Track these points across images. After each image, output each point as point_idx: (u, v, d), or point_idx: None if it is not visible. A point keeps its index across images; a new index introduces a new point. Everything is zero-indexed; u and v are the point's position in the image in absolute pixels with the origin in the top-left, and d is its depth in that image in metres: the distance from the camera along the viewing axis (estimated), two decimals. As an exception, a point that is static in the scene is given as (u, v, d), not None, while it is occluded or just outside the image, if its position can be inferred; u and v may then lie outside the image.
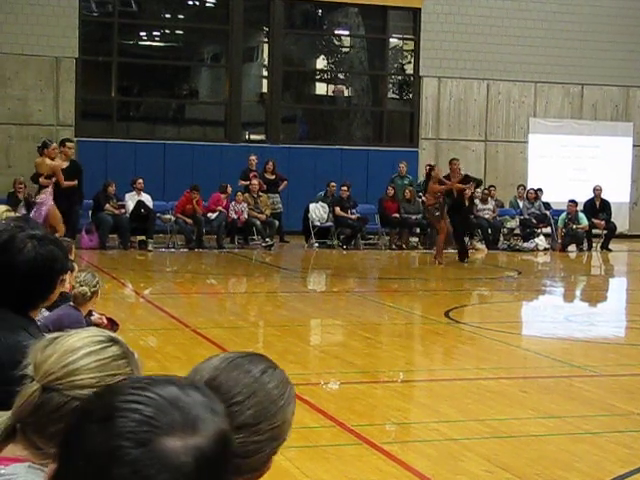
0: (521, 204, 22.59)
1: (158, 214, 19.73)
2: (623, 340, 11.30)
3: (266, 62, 23.70)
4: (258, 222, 20.09)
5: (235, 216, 20.06)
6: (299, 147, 22.99)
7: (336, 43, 25.87)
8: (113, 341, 2.08)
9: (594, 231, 21.87)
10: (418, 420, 6.98)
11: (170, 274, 16.63)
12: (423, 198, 19.76)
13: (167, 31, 25.14)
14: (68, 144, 15.57)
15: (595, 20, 24.46)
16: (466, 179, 18.54)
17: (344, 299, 14.03)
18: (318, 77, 26.36)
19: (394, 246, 20.87)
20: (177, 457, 1.17)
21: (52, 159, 14.98)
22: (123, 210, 19.41)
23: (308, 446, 6.16)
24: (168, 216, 19.94)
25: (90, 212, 19.36)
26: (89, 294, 5.96)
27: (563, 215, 21.64)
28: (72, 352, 2.02)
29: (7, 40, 20.66)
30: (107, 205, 19.32)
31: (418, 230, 21.66)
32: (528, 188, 22.92)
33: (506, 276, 17.60)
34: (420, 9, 23.52)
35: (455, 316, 11.86)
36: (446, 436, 6.37)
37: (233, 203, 20.15)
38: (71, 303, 5.92)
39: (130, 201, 19.59)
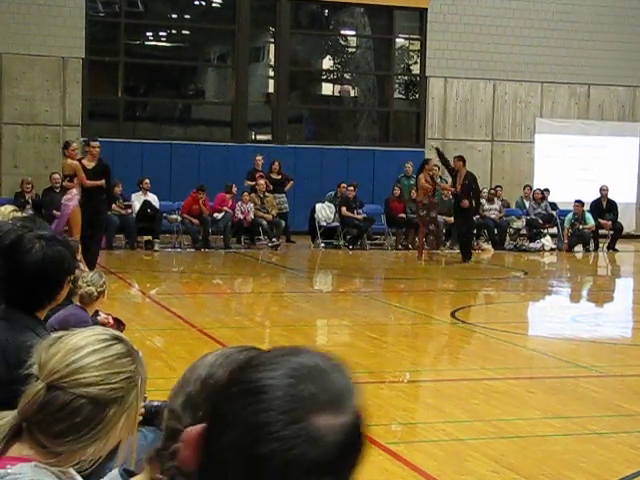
0: (527, 204, 22.57)
1: (164, 214, 19.75)
2: (630, 340, 11.29)
3: (272, 62, 23.70)
4: (264, 222, 20.09)
5: (241, 216, 20.07)
6: (305, 147, 22.99)
7: (342, 43, 25.87)
8: (117, 339, 2.09)
9: (601, 231, 21.83)
10: (424, 420, 6.97)
11: (176, 274, 16.64)
12: (413, 191, 19.79)
13: (173, 31, 25.16)
14: (92, 143, 15.05)
15: (601, 20, 24.43)
16: (469, 187, 18.65)
17: (350, 299, 14.03)
18: (324, 77, 26.37)
19: (400, 246, 20.86)
20: (327, 435, 1.21)
21: (74, 159, 14.69)
22: (129, 210, 19.44)
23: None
24: (174, 216, 19.96)
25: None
26: (95, 294, 5.97)
27: (570, 215, 21.61)
28: (76, 350, 2.03)
29: (14, 40, 20.69)
30: (113, 205, 19.33)
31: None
32: (535, 188, 22.90)
33: (512, 276, 17.58)
34: (426, 9, 23.51)
35: (461, 316, 11.85)
36: (452, 436, 6.37)
37: (239, 203, 20.17)
38: (77, 303, 5.94)
39: (136, 201, 19.62)
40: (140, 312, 12.07)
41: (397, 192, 21.08)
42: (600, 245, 21.77)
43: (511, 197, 23.02)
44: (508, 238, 21.87)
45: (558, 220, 22.18)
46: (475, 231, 21.62)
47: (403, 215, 20.81)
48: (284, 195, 20.95)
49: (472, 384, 8.15)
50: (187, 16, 24.36)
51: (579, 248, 21.64)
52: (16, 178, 20.05)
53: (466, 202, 18.43)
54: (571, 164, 24.41)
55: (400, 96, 25.39)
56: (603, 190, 22.28)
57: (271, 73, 23.97)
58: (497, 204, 21.84)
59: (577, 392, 7.92)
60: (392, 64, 24.34)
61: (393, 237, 21.20)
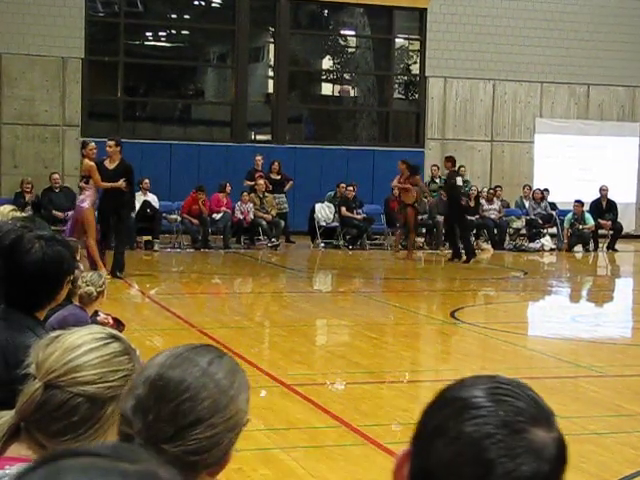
0: (527, 204, 22.57)
1: (164, 214, 19.75)
2: (629, 340, 11.29)
3: (272, 62, 23.70)
4: (264, 222, 20.10)
5: (241, 216, 20.07)
6: (305, 147, 22.99)
7: (342, 43, 25.87)
8: (114, 338, 2.09)
9: (600, 231, 21.83)
10: (424, 420, 6.95)
11: (176, 274, 16.64)
12: (393, 184, 19.81)
13: (173, 31, 25.17)
14: (109, 142, 14.61)
15: (601, 20, 24.43)
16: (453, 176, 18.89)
17: (350, 299, 14.04)
18: (324, 77, 26.37)
19: (400, 246, 20.85)
20: (545, 447, 1.29)
21: (91, 159, 14.38)
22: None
23: (314, 446, 6.17)
24: (174, 216, 19.96)
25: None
26: (95, 294, 5.97)
27: (569, 215, 21.62)
28: (73, 349, 2.03)
29: (13, 40, 20.69)
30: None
31: (424, 230, 21.65)
32: (534, 188, 22.90)
33: (512, 276, 17.59)
34: (426, 9, 23.51)
35: (461, 316, 11.85)
36: (452, 436, 6.36)
37: (239, 203, 20.17)
38: (77, 303, 5.93)
39: (136, 201, 19.60)
40: (140, 312, 12.06)
41: (397, 192, 21.07)
42: (600, 245, 21.77)
43: (511, 197, 23.03)
44: (508, 238, 21.87)
45: (558, 220, 22.18)
46: (475, 231, 21.64)
47: (472, 218, 20.77)
48: (284, 195, 20.95)
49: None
50: (187, 16, 24.36)
51: (579, 248, 21.65)
52: (16, 178, 20.05)
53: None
54: (571, 164, 24.40)
55: (400, 96, 25.39)
56: (603, 190, 22.29)
57: (271, 73, 23.97)
58: (497, 204, 21.83)
59: (577, 392, 7.92)
60: (392, 64, 24.34)
61: (393, 237, 21.19)
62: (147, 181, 19.64)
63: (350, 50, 25.85)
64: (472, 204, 21.27)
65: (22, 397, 2.03)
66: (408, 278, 16.64)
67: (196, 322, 10.81)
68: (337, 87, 26.30)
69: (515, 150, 24.34)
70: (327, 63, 26.10)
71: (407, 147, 23.55)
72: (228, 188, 20.07)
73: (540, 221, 22.05)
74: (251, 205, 20.17)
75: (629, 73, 24.59)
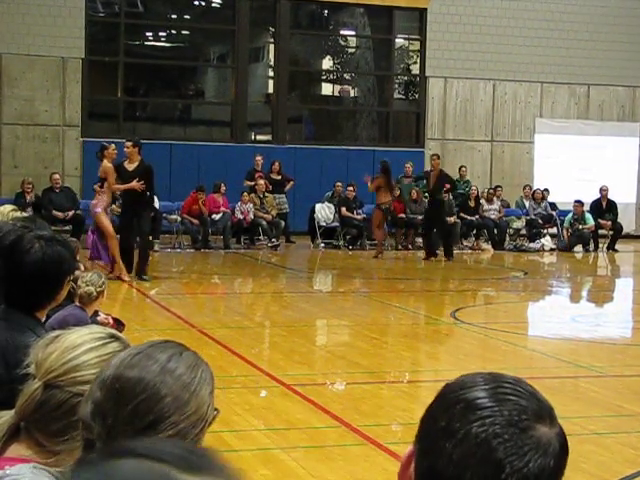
0: (527, 204, 22.57)
1: (164, 214, 19.74)
2: (629, 341, 11.29)
3: (272, 62, 23.70)
4: (264, 222, 20.10)
5: (241, 216, 20.08)
6: (305, 147, 22.99)
7: (342, 43, 25.87)
8: (114, 337, 2.09)
9: (600, 232, 21.83)
10: (424, 420, 6.96)
11: (176, 274, 16.63)
12: (368, 181, 19.84)
13: (173, 31, 25.17)
14: (127, 143, 14.32)
15: (601, 20, 24.43)
16: (443, 179, 18.88)
17: (350, 299, 14.03)
18: (324, 77, 26.37)
19: (400, 246, 20.86)
20: (549, 442, 1.33)
21: (111, 160, 14.15)
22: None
23: (314, 446, 6.17)
24: (174, 216, 19.95)
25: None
26: (95, 294, 5.97)
27: (569, 215, 21.63)
28: (73, 349, 2.03)
29: (14, 40, 20.69)
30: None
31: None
32: (535, 188, 22.90)
33: (512, 276, 17.58)
34: (426, 9, 23.51)
35: (461, 316, 11.85)
36: (452, 436, 6.36)
37: (239, 203, 20.18)
38: (77, 303, 5.94)
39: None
40: (140, 312, 12.06)
41: (397, 192, 21.06)
42: (600, 245, 21.77)
43: (511, 197, 23.02)
44: (508, 238, 21.87)
45: (558, 220, 22.18)
46: (475, 231, 21.66)
47: (403, 215, 20.80)
48: (284, 195, 20.95)
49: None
50: (187, 16, 24.36)
51: (579, 248, 21.65)
52: (16, 178, 20.05)
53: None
54: (571, 164, 24.40)
55: (400, 96, 25.39)
56: (603, 190, 22.28)
57: (271, 73, 23.97)
58: (497, 204, 21.83)
59: (577, 392, 7.92)
60: (392, 64, 24.34)
61: (392, 238, 21.18)
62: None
63: (350, 50, 25.85)
64: (472, 204, 21.31)
65: (22, 397, 2.03)
66: (408, 278, 16.64)
67: (196, 322, 10.81)
68: (337, 87, 26.30)
69: (515, 150, 24.34)
70: (327, 63, 26.10)
71: (407, 147, 23.55)
72: (223, 188, 20.05)
73: (540, 221, 22.05)
74: (251, 205, 20.17)
75: (629, 73, 24.59)
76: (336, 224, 20.88)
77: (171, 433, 1.73)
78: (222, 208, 19.91)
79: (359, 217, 20.76)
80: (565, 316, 12.64)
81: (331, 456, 5.96)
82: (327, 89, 26.72)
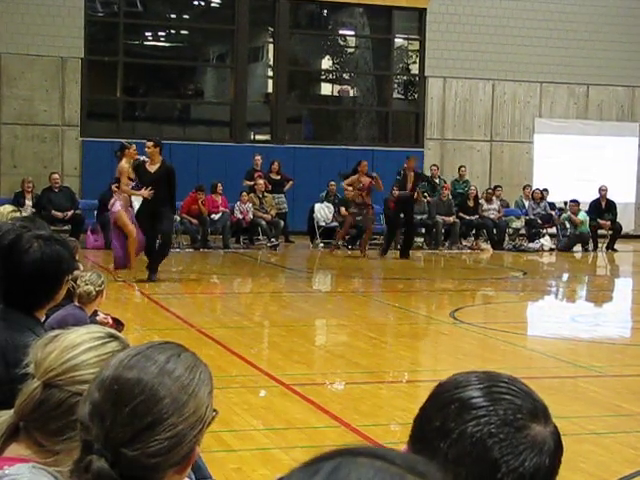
0: (527, 204, 22.57)
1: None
2: (629, 340, 11.29)
3: (271, 62, 23.70)
4: (263, 222, 20.09)
5: (240, 216, 20.08)
6: (304, 147, 22.99)
7: (341, 43, 25.87)
8: (113, 337, 2.09)
9: (600, 231, 21.84)
10: (423, 420, 6.96)
11: (175, 274, 16.62)
12: (343, 185, 19.87)
13: (172, 31, 25.16)
14: (148, 143, 13.99)
15: (600, 20, 24.44)
16: (419, 178, 19.13)
17: (349, 299, 14.03)
18: (323, 77, 26.36)
19: (399, 246, 20.84)
20: (544, 441, 1.34)
21: (131, 160, 13.96)
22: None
23: (313, 446, 6.16)
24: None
25: (95, 212, 19.43)
26: (94, 293, 5.97)
27: (565, 215, 21.73)
28: (72, 348, 2.03)
29: (13, 40, 20.68)
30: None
31: (423, 230, 21.65)
32: (534, 188, 22.90)
33: (511, 276, 17.59)
34: (425, 9, 23.51)
35: (460, 316, 11.85)
36: (451, 436, 6.36)
37: (238, 203, 20.18)
38: (76, 303, 5.93)
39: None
40: (139, 312, 12.06)
41: (396, 192, 21.04)
42: (599, 245, 21.78)
43: (510, 197, 23.03)
44: (507, 238, 21.87)
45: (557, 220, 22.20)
46: (474, 231, 21.67)
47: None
48: (283, 195, 20.95)
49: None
50: (186, 16, 24.36)
51: (578, 248, 21.65)
52: (15, 178, 20.05)
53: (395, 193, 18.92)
54: (570, 164, 24.41)
55: (399, 96, 25.39)
56: (602, 190, 22.28)
57: (270, 73, 23.97)
58: (496, 204, 21.83)
59: (576, 392, 7.92)
60: (391, 64, 24.35)
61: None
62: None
63: (349, 50, 25.85)
64: (471, 204, 21.33)
65: (21, 396, 2.03)
66: (407, 278, 16.64)
67: (195, 322, 10.81)
68: (336, 87, 26.29)
69: (514, 150, 24.34)
70: (326, 63, 26.09)
71: (406, 147, 23.54)
72: (220, 188, 20.03)
73: (539, 221, 22.05)
74: (250, 205, 20.17)
75: (628, 73, 24.60)
76: (335, 224, 20.87)
77: (170, 434, 1.72)
78: (221, 208, 19.91)
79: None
80: (564, 316, 12.64)
81: (330, 456, 5.95)
82: (326, 89, 26.72)
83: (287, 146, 22.66)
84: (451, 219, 20.99)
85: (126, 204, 14.09)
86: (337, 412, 6.95)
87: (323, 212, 20.94)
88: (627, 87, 24.91)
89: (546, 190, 22.65)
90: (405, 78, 25.33)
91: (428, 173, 22.43)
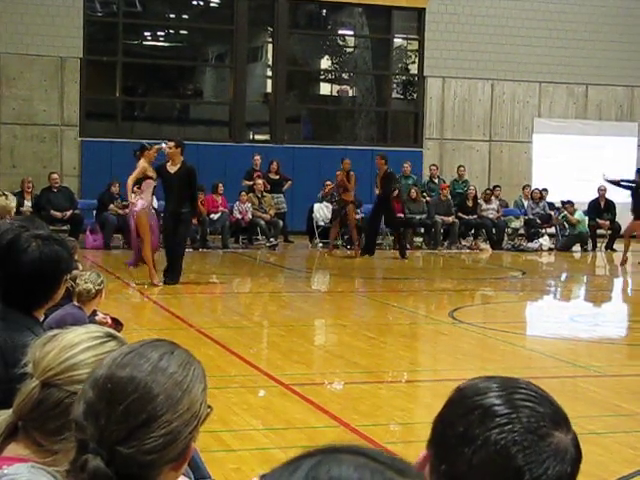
0: (526, 204, 22.57)
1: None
2: (628, 340, 11.29)
3: (270, 62, 23.70)
4: (262, 222, 20.09)
5: (239, 216, 20.07)
6: (303, 147, 22.99)
7: (340, 43, 25.87)
8: (111, 336, 2.09)
9: (598, 231, 21.85)
10: (422, 420, 6.96)
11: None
12: (330, 185, 19.86)
13: (171, 31, 25.16)
14: (169, 143, 13.96)
15: (600, 20, 24.44)
16: (389, 177, 19.02)
17: (348, 299, 14.03)
18: (322, 77, 26.36)
19: (398, 246, 20.84)
20: (566, 449, 1.37)
21: (151, 160, 13.87)
22: (127, 210, 19.40)
23: (312, 446, 6.15)
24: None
25: (94, 212, 19.44)
26: (93, 292, 5.96)
27: (562, 215, 21.76)
28: (70, 348, 2.03)
29: (12, 40, 20.68)
30: (111, 205, 19.35)
31: (422, 230, 21.67)
32: (533, 188, 22.91)
33: (510, 276, 17.58)
34: (424, 9, 23.51)
35: (459, 316, 11.85)
36: (450, 436, 6.35)
37: (237, 203, 20.17)
38: (75, 302, 5.93)
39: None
40: (138, 312, 12.06)
41: (395, 192, 21.05)
42: (598, 245, 21.78)
43: (509, 197, 23.03)
44: (506, 238, 21.88)
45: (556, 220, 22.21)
46: (473, 230, 21.68)
47: (401, 215, 20.80)
48: (282, 195, 20.95)
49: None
50: (185, 16, 24.35)
51: (577, 248, 21.65)
52: (14, 178, 20.04)
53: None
54: (569, 164, 24.40)
55: (398, 96, 25.39)
56: (601, 190, 22.28)
57: (269, 73, 23.97)
58: (495, 204, 21.84)
59: (575, 392, 7.92)
60: (390, 64, 24.35)
61: (391, 237, 21.18)
62: (145, 181, 19.60)
63: (348, 50, 25.86)
64: (470, 204, 21.32)
65: (19, 396, 2.03)
66: (407, 278, 16.63)
67: (194, 322, 10.81)
68: (335, 87, 26.30)
69: (513, 150, 24.35)
70: (325, 63, 26.10)
71: (405, 147, 23.56)
72: (220, 188, 20.04)
73: (538, 221, 22.05)
74: (249, 205, 20.17)
75: (627, 73, 24.60)
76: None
77: (164, 431, 1.73)
78: (220, 208, 19.90)
79: (358, 217, 20.74)
80: (563, 316, 12.63)
81: (329, 456, 5.95)
82: (325, 89, 26.72)
83: (286, 146, 22.65)
84: (450, 219, 21.00)
85: (148, 205, 13.96)
86: (336, 412, 6.94)
87: (322, 212, 20.94)
88: (626, 87, 24.91)
89: (545, 190, 22.65)
90: (404, 78, 25.33)
91: (428, 173, 22.47)
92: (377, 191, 19.16)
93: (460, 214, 21.29)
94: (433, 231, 21.10)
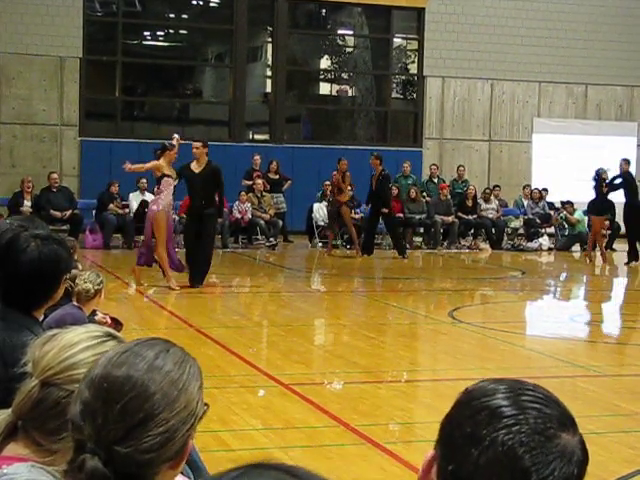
0: (525, 204, 22.58)
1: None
2: (627, 340, 11.29)
3: (270, 62, 23.70)
4: (262, 222, 20.09)
5: (239, 216, 20.07)
6: (303, 147, 22.99)
7: (340, 43, 25.87)
8: (110, 336, 2.08)
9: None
10: (422, 420, 6.96)
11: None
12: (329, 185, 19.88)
13: (171, 31, 25.16)
14: (196, 144, 13.77)
15: (599, 20, 24.44)
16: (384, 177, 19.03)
17: (348, 299, 14.03)
18: (322, 77, 26.36)
19: (396, 246, 20.83)
20: (573, 451, 1.37)
21: (171, 160, 13.72)
22: (127, 210, 19.42)
23: (311, 446, 6.16)
24: (172, 216, 19.91)
25: (94, 212, 19.44)
26: (93, 291, 5.96)
27: (562, 214, 21.76)
28: (70, 347, 2.03)
29: (11, 40, 20.68)
30: (111, 205, 19.35)
31: (422, 230, 21.67)
32: (533, 188, 22.91)
33: (510, 276, 17.59)
34: (424, 9, 23.51)
35: (459, 316, 11.85)
36: (450, 436, 6.35)
37: (237, 203, 20.17)
38: (74, 302, 5.93)
39: (134, 201, 19.60)
40: (137, 312, 12.05)
41: (395, 192, 21.06)
42: (597, 245, 21.75)
43: (509, 197, 23.04)
44: (506, 238, 21.88)
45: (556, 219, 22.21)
46: (473, 230, 21.68)
47: (401, 214, 20.81)
48: (282, 195, 20.95)
49: (470, 384, 8.13)
50: (185, 16, 24.36)
51: (576, 248, 21.64)
52: (14, 178, 20.04)
53: (385, 210, 18.79)
54: (569, 164, 24.40)
55: (398, 96, 25.39)
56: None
57: (269, 73, 23.98)
58: (494, 204, 21.84)
59: (575, 392, 7.92)
60: (390, 64, 24.35)
61: (390, 237, 21.18)
62: (145, 181, 19.59)
63: (348, 50, 25.86)
64: (470, 204, 21.32)
65: (19, 395, 2.03)
66: (406, 278, 16.63)
67: (194, 322, 10.80)
68: (335, 87, 26.29)
69: (513, 150, 24.35)
70: (325, 63, 26.10)
71: (405, 147, 23.56)
72: None
73: (538, 221, 22.06)
74: (249, 205, 20.17)
75: (627, 73, 24.61)
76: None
77: (162, 430, 1.72)
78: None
79: (357, 216, 20.75)
80: (563, 315, 12.63)
81: (329, 455, 5.95)
82: (325, 89, 26.72)
83: (286, 146, 22.65)
84: (450, 219, 21.00)
85: (168, 205, 13.78)
86: (336, 412, 6.94)
87: (322, 212, 20.94)
88: (626, 87, 24.92)
89: (545, 190, 22.65)
90: (404, 78, 25.33)
91: (427, 173, 22.49)
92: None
93: (460, 214, 21.30)
94: (433, 231, 21.10)
